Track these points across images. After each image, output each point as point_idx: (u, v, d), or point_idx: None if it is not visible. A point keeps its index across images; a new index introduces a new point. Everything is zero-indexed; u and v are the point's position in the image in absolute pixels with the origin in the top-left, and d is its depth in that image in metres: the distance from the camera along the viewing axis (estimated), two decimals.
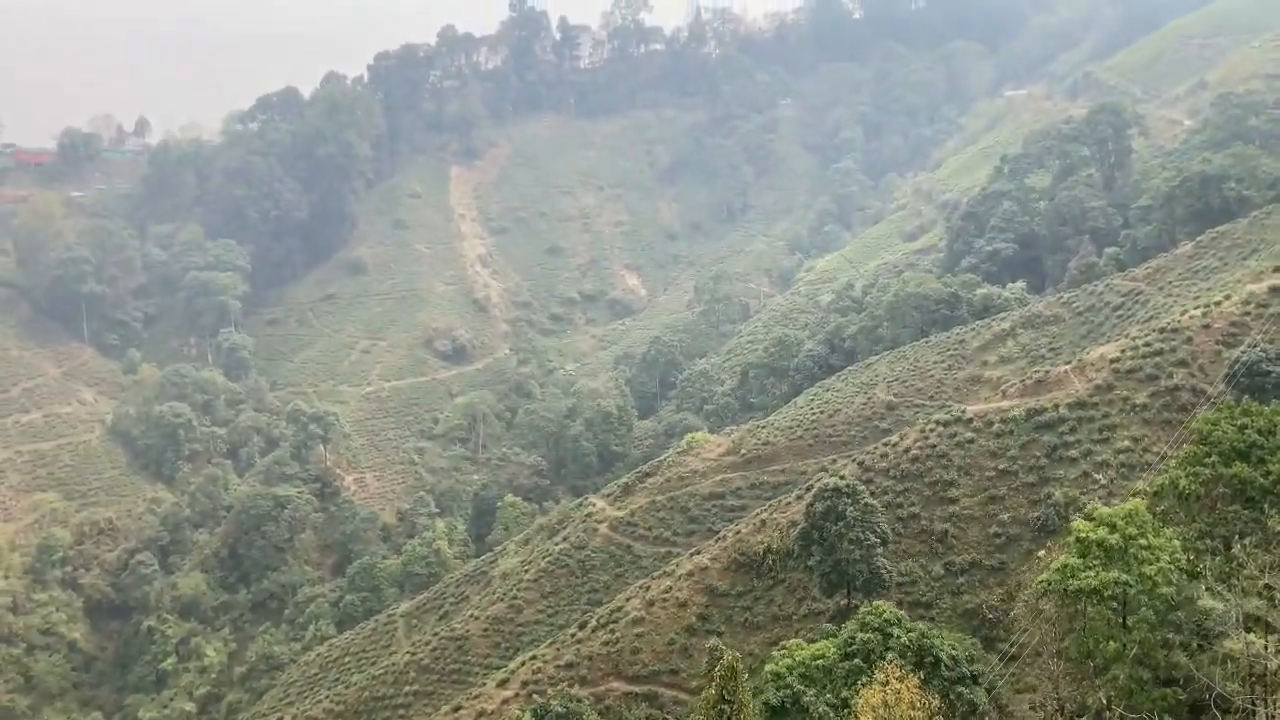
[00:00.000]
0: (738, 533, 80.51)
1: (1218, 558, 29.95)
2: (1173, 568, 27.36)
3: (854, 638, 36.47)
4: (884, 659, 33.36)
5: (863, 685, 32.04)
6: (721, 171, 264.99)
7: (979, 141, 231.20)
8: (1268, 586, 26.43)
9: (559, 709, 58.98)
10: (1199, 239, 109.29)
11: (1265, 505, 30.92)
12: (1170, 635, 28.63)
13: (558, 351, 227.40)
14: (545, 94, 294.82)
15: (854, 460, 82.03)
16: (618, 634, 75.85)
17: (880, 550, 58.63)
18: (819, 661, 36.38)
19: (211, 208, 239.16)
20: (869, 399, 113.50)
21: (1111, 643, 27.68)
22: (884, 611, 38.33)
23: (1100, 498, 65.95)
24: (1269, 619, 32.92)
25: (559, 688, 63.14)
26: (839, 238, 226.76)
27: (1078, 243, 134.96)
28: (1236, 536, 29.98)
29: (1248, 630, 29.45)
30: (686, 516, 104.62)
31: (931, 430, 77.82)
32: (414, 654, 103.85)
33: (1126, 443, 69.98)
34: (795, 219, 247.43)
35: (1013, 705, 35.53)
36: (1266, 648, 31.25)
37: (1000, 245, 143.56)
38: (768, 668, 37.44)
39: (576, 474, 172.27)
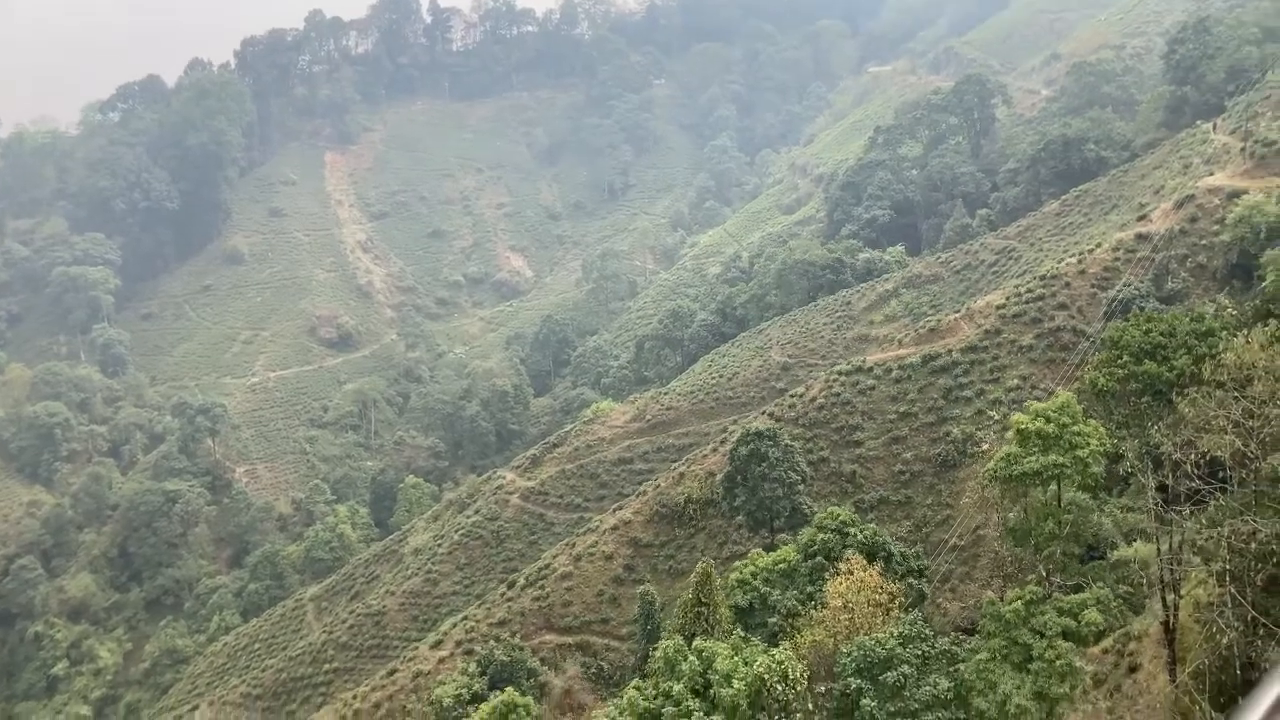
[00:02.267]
0: (657, 486, 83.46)
1: (1136, 440, 34.16)
2: (1099, 452, 31.24)
3: (814, 540, 39.62)
4: (844, 555, 36.63)
5: (828, 578, 35.18)
6: (600, 151, 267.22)
7: (848, 116, 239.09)
8: (1177, 463, 30.47)
9: (503, 657, 60.89)
10: (1064, 198, 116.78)
11: (1172, 395, 35.28)
12: (1094, 516, 32.69)
13: (446, 335, 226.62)
14: (419, 77, 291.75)
15: (764, 413, 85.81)
16: (547, 589, 78.05)
17: (801, 487, 62.23)
18: (781, 566, 39.45)
19: (75, 200, 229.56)
20: (764, 362, 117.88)
21: (1049, 521, 31.35)
22: (839, 515, 41.63)
23: (995, 433, 71.33)
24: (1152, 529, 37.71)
25: (501, 639, 64.90)
26: (719, 213, 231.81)
27: (950, 207, 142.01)
28: (1150, 422, 34.22)
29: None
30: (596, 482, 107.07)
31: (835, 380, 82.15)
32: (330, 633, 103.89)
33: (1016, 381, 75.44)
34: (676, 196, 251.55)
35: (961, 587, 39.19)
36: (1160, 554, 35.82)
37: (878, 212, 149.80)
38: (732, 576, 40.39)
39: (475, 454, 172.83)
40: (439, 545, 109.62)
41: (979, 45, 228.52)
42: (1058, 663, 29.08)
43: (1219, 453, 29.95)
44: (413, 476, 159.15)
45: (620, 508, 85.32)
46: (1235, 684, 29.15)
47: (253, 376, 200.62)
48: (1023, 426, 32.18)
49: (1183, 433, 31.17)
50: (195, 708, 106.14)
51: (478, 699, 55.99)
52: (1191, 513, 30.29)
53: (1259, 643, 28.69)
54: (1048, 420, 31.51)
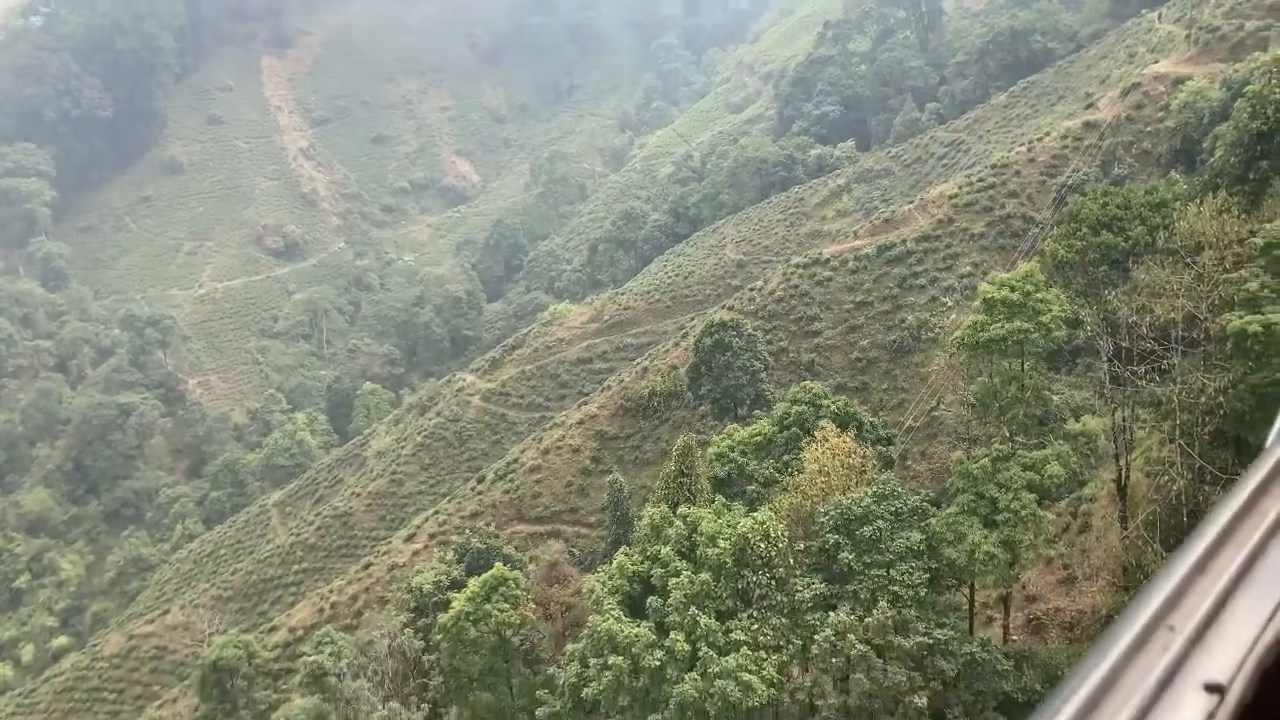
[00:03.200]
0: (621, 381, 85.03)
1: (1094, 307, 36.03)
2: (1061, 318, 33.02)
3: (789, 412, 41.38)
4: (818, 425, 38.44)
5: (803, 447, 37.02)
6: (544, 51, 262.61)
7: (795, 12, 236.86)
8: (1134, 324, 32.35)
9: (479, 545, 62.60)
10: (1011, 89, 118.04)
11: (1128, 264, 37.13)
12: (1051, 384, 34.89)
13: (394, 243, 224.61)
14: None
15: (724, 307, 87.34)
16: (517, 482, 79.88)
17: (764, 375, 64.05)
18: (757, 439, 41.24)
19: (2, 110, 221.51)
20: (720, 259, 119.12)
21: (1012, 385, 33.22)
22: (813, 388, 43.41)
23: (948, 319, 73.56)
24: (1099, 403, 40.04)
25: (476, 529, 66.66)
26: (667, 113, 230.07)
27: (900, 101, 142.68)
28: (1107, 289, 36.10)
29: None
30: (556, 382, 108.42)
31: (793, 272, 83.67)
32: (298, 535, 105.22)
33: (968, 268, 77.49)
34: (622, 97, 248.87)
35: (915, 466, 41.42)
36: (1114, 416, 38.02)
37: (828, 108, 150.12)
38: (710, 450, 42.15)
39: (430, 360, 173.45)
40: (402, 447, 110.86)
41: None
42: (1023, 513, 31.20)
43: (1172, 315, 31.81)
44: (370, 383, 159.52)
45: (585, 403, 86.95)
46: (1183, 528, 31.48)
47: (200, 288, 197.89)
48: (989, 295, 33.85)
49: (1138, 298, 32.99)
50: (166, 612, 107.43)
51: (457, 585, 57.74)
52: (1146, 373, 32.26)
53: (1206, 489, 30.96)
54: (1012, 289, 33.19)
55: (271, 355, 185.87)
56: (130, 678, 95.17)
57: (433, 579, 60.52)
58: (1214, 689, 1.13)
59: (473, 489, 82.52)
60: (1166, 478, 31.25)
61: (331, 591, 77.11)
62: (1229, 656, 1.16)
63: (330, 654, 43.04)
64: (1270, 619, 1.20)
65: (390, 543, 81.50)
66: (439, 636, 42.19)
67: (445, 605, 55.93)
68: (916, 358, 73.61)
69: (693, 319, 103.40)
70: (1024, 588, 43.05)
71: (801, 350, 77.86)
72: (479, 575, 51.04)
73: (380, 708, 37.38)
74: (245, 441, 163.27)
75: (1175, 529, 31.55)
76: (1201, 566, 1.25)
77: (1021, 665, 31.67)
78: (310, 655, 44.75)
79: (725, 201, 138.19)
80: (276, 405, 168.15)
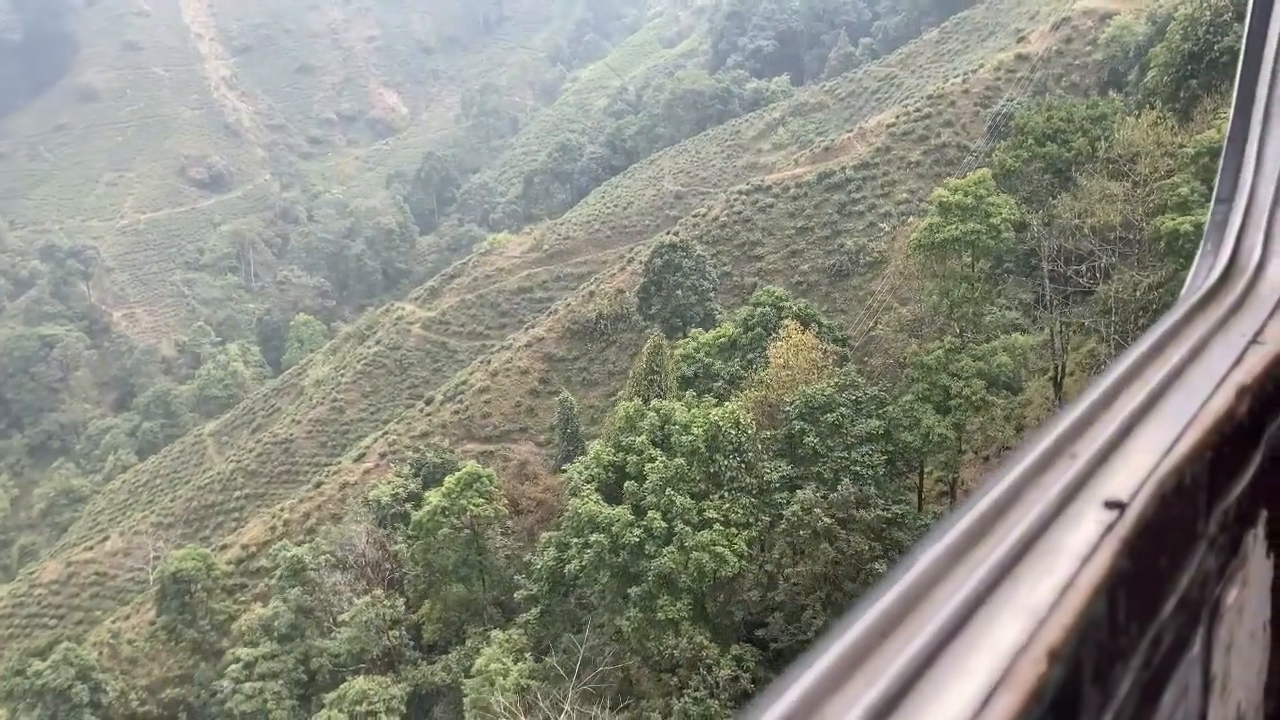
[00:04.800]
0: (568, 305, 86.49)
1: (1040, 211, 38.64)
2: (1010, 220, 35.46)
3: (753, 314, 43.53)
4: (780, 324, 40.66)
5: (768, 345, 39.22)
6: None
7: None
8: (1078, 227, 34.93)
9: (435, 459, 64.15)
10: (943, 25, 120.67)
11: (1070, 173, 39.77)
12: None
13: (321, 175, 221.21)
14: None
15: (668, 233, 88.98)
16: (466, 403, 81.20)
17: (712, 294, 66.20)
18: (721, 340, 43.33)
19: None
20: (658, 191, 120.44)
21: (964, 284, 35.66)
22: (774, 291, 45.58)
23: (885, 243, 76.41)
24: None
25: (431, 443, 68.09)
26: (599, 47, 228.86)
27: (834, 36, 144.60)
28: (1051, 196, 38.72)
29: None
30: (497, 311, 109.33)
31: (736, 199, 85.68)
32: (239, 462, 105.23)
33: (905, 194, 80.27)
34: (554, 29, 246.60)
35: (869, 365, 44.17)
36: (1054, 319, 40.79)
37: (763, 42, 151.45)
38: (677, 352, 44.17)
39: (362, 293, 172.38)
40: (342, 375, 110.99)
41: None
42: (974, 398, 33.82)
43: (1110, 219, 34.44)
44: (303, 315, 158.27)
45: (533, 326, 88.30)
46: None
47: (121, 219, 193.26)
48: (944, 199, 36.12)
49: (1080, 203, 35.56)
50: (105, 539, 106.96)
51: (414, 498, 59.32)
52: (1086, 271, 34.94)
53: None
54: (965, 194, 35.49)
55: (198, 288, 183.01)
56: (70, 603, 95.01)
57: (390, 492, 61.96)
58: (1114, 505, 1.14)
59: (421, 410, 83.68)
60: (1103, 367, 33.96)
61: (283, 510, 77.97)
62: (1129, 478, 1.18)
63: (309, 548, 44.40)
64: (1169, 449, 1.24)
65: (340, 463, 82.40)
66: (413, 534, 43.82)
67: (404, 517, 57.60)
68: (855, 281, 76.33)
69: (633, 248, 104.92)
70: (963, 484, 46.18)
71: (745, 274, 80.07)
72: (436, 487, 52.68)
73: (358, 600, 38.97)
74: (174, 374, 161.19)
75: None
76: (1106, 402, 1.32)
77: None
78: (289, 551, 46.03)
79: (662, 135, 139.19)
80: (205, 338, 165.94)
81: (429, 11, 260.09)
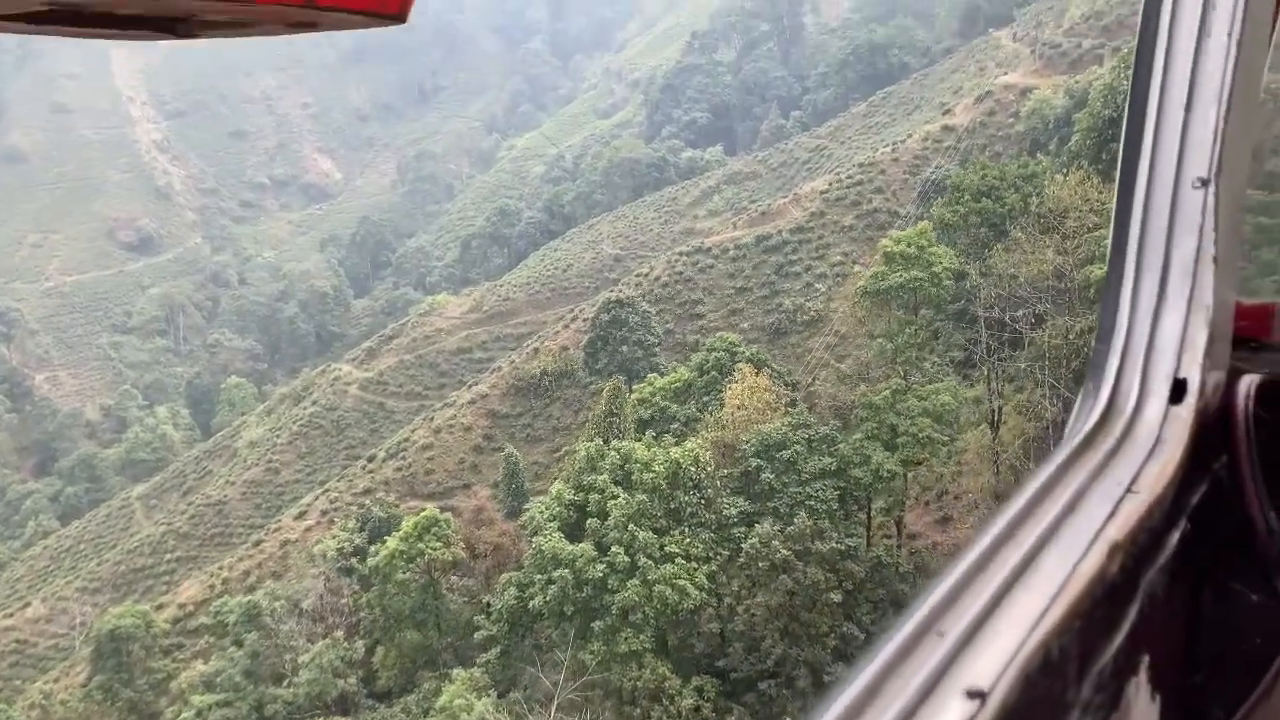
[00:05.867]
0: (512, 362, 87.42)
1: (977, 262, 41.02)
2: (950, 269, 37.65)
3: (707, 359, 45.03)
4: (735, 368, 42.20)
5: (723, 388, 40.71)
6: (409, 51, 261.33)
7: (659, 23, 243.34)
8: (1014, 276, 37.27)
9: (381, 514, 64.20)
10: (871, 99, 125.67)
11: (1004, 226, 42.41)
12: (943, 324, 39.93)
13: (253, 239, 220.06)
14: None
15: (613, 290, 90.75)
16: (409, 460, 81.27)
17: (658, 349, 67.84)
18: (677, 385, 44.68)
19: None
20: (597, 254, 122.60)
21: (906, 330, 37.62)
22: (727, 338, 47.18)
23: (821, 302, 79.06)
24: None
25: (376, 497, 68.09)
26: (534, 117, 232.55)
27: (765, 109, 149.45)
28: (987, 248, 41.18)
29: None
30: (436, 371, 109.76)
31: (677, 259, 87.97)
32: (170, 524, 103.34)
33: (839, 257, 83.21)
34: (489, 100, 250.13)
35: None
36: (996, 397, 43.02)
37: (696, 114, 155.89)
38: (633, 396, 45.38)
39: (295, 356, 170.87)
40: (277, 436, 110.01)
41: None
42: (920, 435, 35.59)
43: (1044, 269, 36.83)
44: (234, 378, 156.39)
45: (476, 383, 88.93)
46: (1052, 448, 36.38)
47: (47, 281, 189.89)
48: (889, 249, 38.27)
49: (1014, 255, 37.98)
50: (26, 605, 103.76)
51: (360, 552, 59.25)
52: (1022, 318, 37.20)
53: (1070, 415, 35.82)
54: (908, 244, 37.69)
55: (126, 351, 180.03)
56: None
57: (336, 546, 61.80)
58: (975, 695, 1.12)
59: (363, 467, 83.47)
60: (1042, 408, 36.10)
61: (221, 569, 76.85)
62: (994, 661, 1.18)
63: (265, 593, 44.25)
64: (1036, 622, 1.26)
65: (280, 521, 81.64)
66: (369, 578, 43.99)
67: (350, 571, 57.57)
68: (793, 339, 78.58)
69: (573, 309, 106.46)
70: (905, 529, 47.87)
71: (687, 332, 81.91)
72: (383, 541, 52.86)
73: (316, 645, 38.96)
74: (99, 439, 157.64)
75: (1047, 452, 36.43)
76: (981, 565, 1.34)
77: (916, 573, 36.10)
78: (233, 601, 45.74)
79: (599, 201, 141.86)
80: (132, 401, 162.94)
81: (365, 80, 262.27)
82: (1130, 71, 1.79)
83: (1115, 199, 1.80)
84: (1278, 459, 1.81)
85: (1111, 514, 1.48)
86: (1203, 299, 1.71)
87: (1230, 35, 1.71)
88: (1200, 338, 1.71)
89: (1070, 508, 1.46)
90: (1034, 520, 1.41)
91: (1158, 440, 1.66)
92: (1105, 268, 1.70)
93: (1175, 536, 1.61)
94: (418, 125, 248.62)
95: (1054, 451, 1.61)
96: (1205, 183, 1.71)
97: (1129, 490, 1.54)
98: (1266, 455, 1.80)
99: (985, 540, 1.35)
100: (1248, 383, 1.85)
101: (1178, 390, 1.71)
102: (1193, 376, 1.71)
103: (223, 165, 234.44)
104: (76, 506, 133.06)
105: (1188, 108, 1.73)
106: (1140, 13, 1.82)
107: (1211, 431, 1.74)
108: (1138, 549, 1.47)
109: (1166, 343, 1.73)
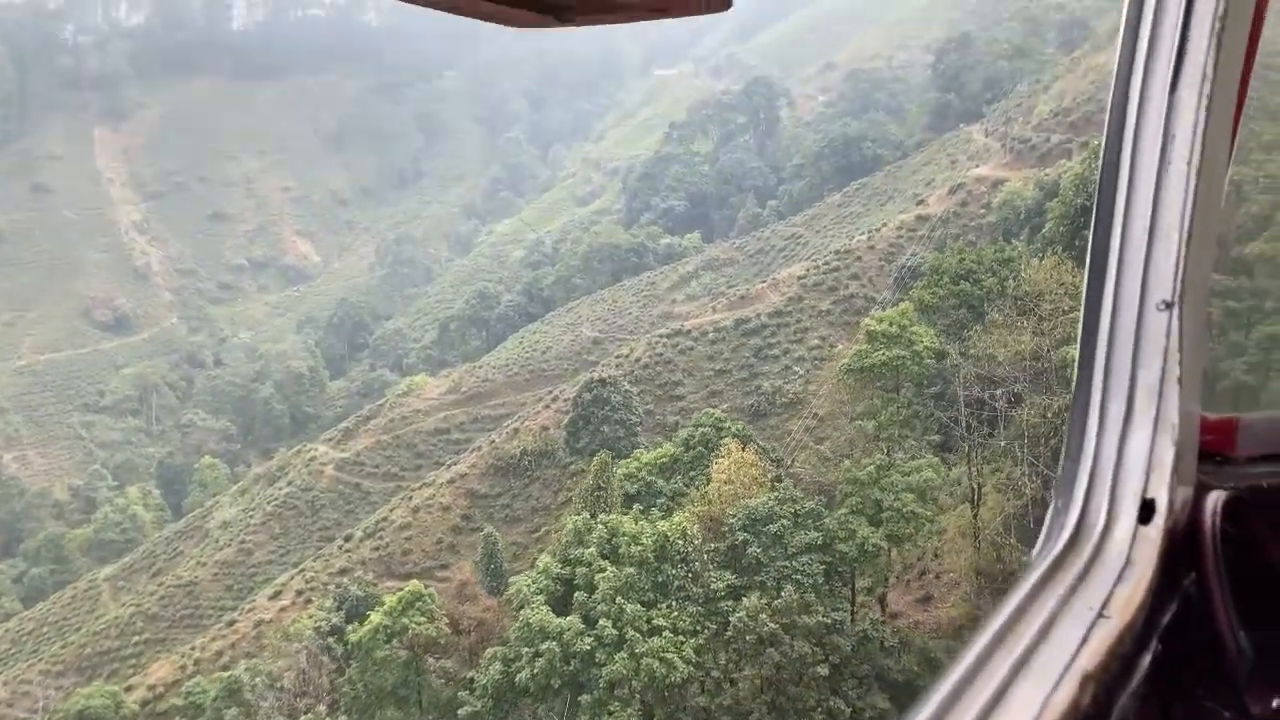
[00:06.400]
0: (492, 441, 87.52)
1: (957, 342, 42.11)
2: (930, 349, 38.65)
3: (694, 434, 45.53)
4: (721, 443, 42.74)
5: (710, 463, 41.18)
6: (391, 138, 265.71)
7: (637, 115, 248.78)
8: (992, 356, 38.34)
9: (358, 592, 63.63)
10: (845, 189, 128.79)
11: (982, 309, 43.68)
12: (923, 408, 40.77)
13: (229, 320, 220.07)
14: (198, 55, 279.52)
15: (590, 375, 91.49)
16: (386, 539, 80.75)
17: (639, 428, 68.35)
18: (663, 460, 45.08)
19: None
20: (576, 337, 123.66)
21: (889, 406, 38.44)
22: (713, 413, 47.75)
23: (800, 385, 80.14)
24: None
25: (354, 575, 67.49)
26: (513, 204, 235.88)
27: (741, 199, 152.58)
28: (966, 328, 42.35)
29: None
30: (413, 452, 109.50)
31: (657, 341, 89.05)
32: (138, 605, 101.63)
33: (816, 340, 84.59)
34: (469, 186, 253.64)
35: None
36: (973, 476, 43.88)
37: (674, 202, 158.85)
38: (620, 471, 45.71)
39: (268, 437, 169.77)
40: (250, 517, 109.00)
41: (759, 53, 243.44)
42: (904, 510, 36.16)
43: (1022, 349, 37.94)
44: (208, 458, 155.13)
45: (455, 463, 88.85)
46: (1033, 524, 37.08)
47: (19, 359, 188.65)
48: (872, 328, 39.30)
49: (993, 335, 39.13)
50: None
51: (337, 631, 58.60)
52: (1002, 395, 38.15)
53: (1050, 493, 36.59)
54: (891, 324, 38.74)
55: (97, 431, 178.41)
56: None
57: (313, 625, 61.07)
58: None
59: (340, 546, 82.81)
60: (1022, 484, 36.85)
61: (193, 649, 75.53)
62: None
63: (246, 668, 43.67)
64: None
65: (254, 601, 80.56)
66: (351, 654, 43.57)
67: (327, 650, 56.89)
68: (772, 421, 79.28)
69: (550, 392, 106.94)
70: (887, 608, 48.11)
71: (667, 413, 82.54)
72: (360, 620, 52.42)
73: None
74: (66, 519, 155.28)
75: (1027, 528, 37.10)
76: (953, 699, 1.37)
77: (900, 649, 36.32)
78: (208, 680, 45.09)
79: (579, 285, 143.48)
80: (102, 481, 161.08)
81: (347, 165, 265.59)
82: (1095, 199, 1.86)
83: (1082, 320, 1.87)
84: (1245, 574, 1.86)
85: (1083, 641, 1.50)
86: (1169, 419, 1.76)
87: (1190, 165, 1.78)
88: (1167, 458, 1.76)
89: (1042, 634, 1.49)
90: (1006, 649, 1.44)
91: (1127, 561, 1.71)
92: (1073, 384, 1.88)
93: (1147, 659, 1.64)
94: (397, 210, 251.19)
95: (1025, 573, 1.66)
96: (1169, 305, 1.78)
97: (1100, 615, 1.57)
98: (1234, 571, 1.85)
99: (959, 670, 1.37)
100: (1214, 499, 1.89)
101: (1146, 511, 1.75)
102: (1160, 497, 1.76)
103: (201, 247, 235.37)
104: (41, 588, 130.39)
105: (1150, 234, 1.81)
106: (1103, 144, 1.89)
107: (1180, 550, 1.80)
108: (1110, 677, 1.48)
109: (1134, 463, 1.78)
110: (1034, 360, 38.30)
